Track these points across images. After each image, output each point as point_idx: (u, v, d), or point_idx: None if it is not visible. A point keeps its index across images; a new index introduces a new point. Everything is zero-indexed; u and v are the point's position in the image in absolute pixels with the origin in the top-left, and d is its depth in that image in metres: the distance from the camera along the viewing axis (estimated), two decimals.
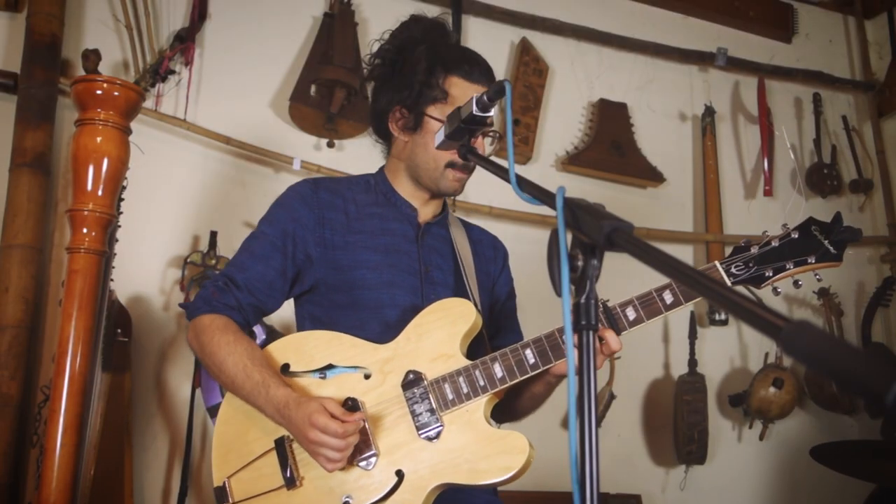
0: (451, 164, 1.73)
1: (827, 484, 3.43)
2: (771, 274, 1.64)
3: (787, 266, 1.64)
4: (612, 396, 3.20)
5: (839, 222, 1.66)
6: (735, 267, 1.63)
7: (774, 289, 1.66)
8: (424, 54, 1.73)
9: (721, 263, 1.64)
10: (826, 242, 1.65)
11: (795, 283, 1.64)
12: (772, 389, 3.32)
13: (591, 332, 0.94)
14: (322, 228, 1.74)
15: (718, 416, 3.53)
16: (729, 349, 3.62)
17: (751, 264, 1.64)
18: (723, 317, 3.52)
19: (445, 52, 1.75)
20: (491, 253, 1.95)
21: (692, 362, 3.38)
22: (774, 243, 1.65)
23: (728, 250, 1.80)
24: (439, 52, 1.74)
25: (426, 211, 1.84)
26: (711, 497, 3.43)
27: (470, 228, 1.96)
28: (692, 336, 3.41)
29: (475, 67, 1.75)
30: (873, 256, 3.92)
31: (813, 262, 1.64)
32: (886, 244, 3.87)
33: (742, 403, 3.42)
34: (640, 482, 3.30)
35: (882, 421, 3.51)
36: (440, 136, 1.59)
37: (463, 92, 1.70)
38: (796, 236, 1.65)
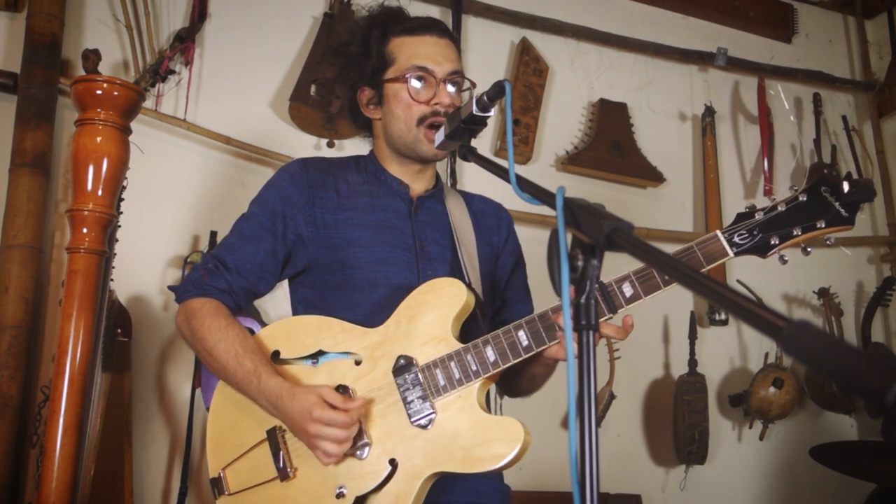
0: (421, 121, 1.68)
1: (827, 484, 3.43)
2: (777, 242, 1.51)
3: (795, 232, 1.51)
4: (612, 396, 3.20)
5: (851, 182, 1.52)
6: (738, 236, 1.51)
7: (781, 257, 1.54)
8: (362, 28, 1.75)
9: (723, 233, 1.52)
10: (837, 204, 1.50)
11: (804, 250, 1.53)
12: (772, 389, 3.32)
13: (591, 332, 0.94)
14: (313, 207, 1.71)
15: (718, 416, 3.53)
16: (729, 349, 3.62)
17: (755, 232, 1.51)
18: (723, 317, 3.52)
19: (382, 18, 1.75)
20: (494, 222, 1.89)
21: (692, 362, 3.38)
22: (781, 207, 1.53)
23: None
24: (375, 21, 1.75)
25: (418, 186, 1.79)
26: (711, 497, 3.43)
27: (471, 199, 1.90)
28: (692, 336, 3.41)
29: (413, 20, 1.74)
30: (873, 256, 3.92)
31: (823, 226, 1.51)
32: (886, 244, 3.87)
33: (742, 403, 3.42)
34: (640, 482, 3.29)
35: (882, 421, 3.51)
36: (440, 136, 1.59)
37: (410, 48, 1.70)
38: (804, 199, 1.52)
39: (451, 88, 1.70)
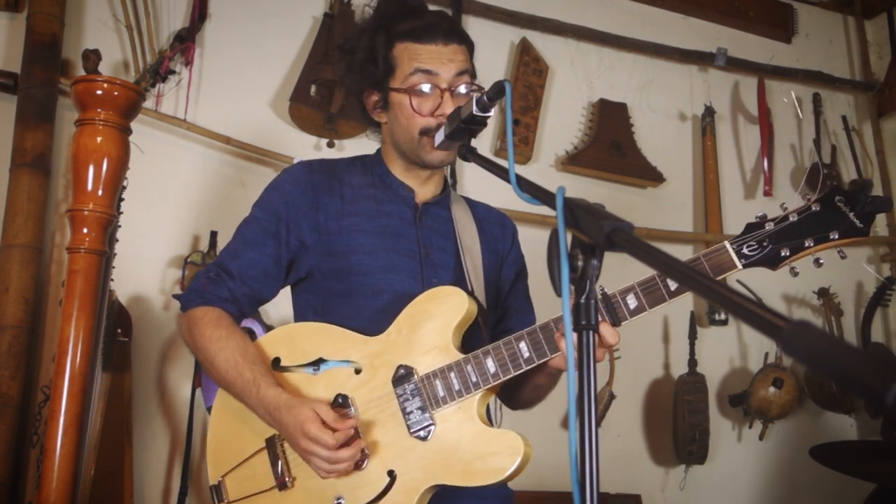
0: (424, 132, 1.63)
1: (827, 484, 3.43)
2: (788, 253, 1.45)
3: (807, 244, 1.45)
4: (612, 396, 3.20)
5: (866, 192, 1.46)
6: (747, 247, 1.46)
7: (792, 269, 1.48)
8: (369, 29, 1.69)
9: (731, 244, 1.47)
10: (851, 215, 1.44)
11: (817, 262, 1.47)
12: (772, 389, 3.32)
13: (591, 333, 0.94)
14: (316, 213, 1.68)
15: (718, 416, 3.53)
16: (729, 349, 3.62)
17: (765, 243, 1.46)
18: (723, 317, 3.52)
19: (391, 19, 1.66)
20: (499, 231, 1.86)
21: (692, 362, 3.38)
22: (793, 218, 1.46)
23: None
24: (383, 23, 1.66)
25: (424, 191, 1.76)
26: (711, 497, 3.43)
27: (475, 206, 1.86)
28: (692, 336, 3.41)
29: (422, 25, 1.64)
30: (873, 256, 3.92)
31: (836, 237, 1.44)
32: (886, 244, 3.88)
33: (742, 403, 3.43)
34: (640, 482, 3.29)
35: (882, 421, 3.51)
36: (440, 136, 1.59)
37: (413, 56, 1.62)
38: (817, 209, 1.46)
39: (462, 90, 1.63)
